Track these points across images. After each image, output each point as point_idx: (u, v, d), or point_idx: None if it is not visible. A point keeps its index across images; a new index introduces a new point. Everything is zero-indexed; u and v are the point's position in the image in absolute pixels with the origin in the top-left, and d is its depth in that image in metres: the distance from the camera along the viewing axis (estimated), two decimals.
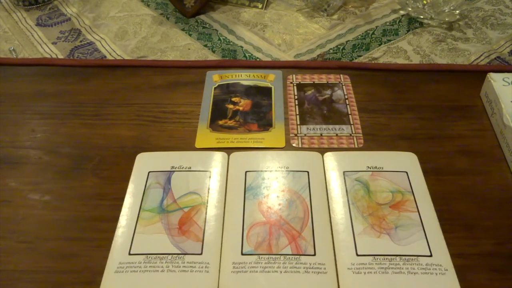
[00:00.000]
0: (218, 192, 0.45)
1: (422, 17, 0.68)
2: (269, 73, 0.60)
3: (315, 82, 0.59)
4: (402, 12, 0.71)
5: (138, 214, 0.44)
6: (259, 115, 0.55)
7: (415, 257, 0.40)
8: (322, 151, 0.50)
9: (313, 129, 0.53)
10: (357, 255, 0.40)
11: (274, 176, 0.47)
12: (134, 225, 0.43)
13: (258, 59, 0.63)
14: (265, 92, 0.58)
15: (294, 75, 0.60)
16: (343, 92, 0.57)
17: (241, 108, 0.56)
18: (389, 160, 0.48)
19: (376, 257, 0.40)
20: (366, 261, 0.39)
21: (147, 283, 0.39)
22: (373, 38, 0.66)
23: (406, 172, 0.47)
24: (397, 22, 0.69)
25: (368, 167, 0.47)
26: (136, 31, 0.69)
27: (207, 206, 0.44)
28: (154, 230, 0.42)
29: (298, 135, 0.52)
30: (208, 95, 0.58)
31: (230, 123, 0.54)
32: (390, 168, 0.47)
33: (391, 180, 0.46)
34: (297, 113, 0.55)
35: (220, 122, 0.54)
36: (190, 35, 0.68)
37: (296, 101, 0.57)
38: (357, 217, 0.43)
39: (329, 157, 0.49)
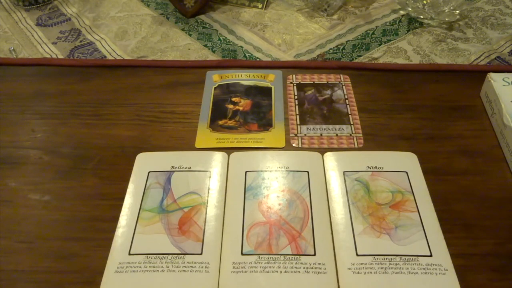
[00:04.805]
0: (218, 192, 0.45)
1: (422, 17, 0.68)
2: (269, 73, 0.60)
3: (315, 82, 0.59)
4: (402, 12, 0.71)
5: (138, 214, 0.44)
6: (259, 115, 0.55)
7: (415, 257, 0.40)
8: (322, 151, 0.50)
9: (313, 129, 0.53)
10: (357, 255, 0.40)
11: (274, 176, 0.47)
12: (134, 225, 0.43)
13: (258, 59, 0.63)
14: (265, 92, 0.58)
15: (294, 75, 0.60)
16: (343, 92, 0.57)
17: (241, 108, 0.56)
18: (389, 160, 0.48)
19: (376, 257, 0.40)
20: (366, 261, 0.39)
21: (147, 283, 0.39)
22: (373, 38, 0.66)
23: (406, 172, 0.47)
24: (397, 22, 0.69)
25: (368, 167, 0.47)
26: (136, 31, 0.69)
27: (207, 206, 0.44)
28: (154, 230, 0.42)
29: (298, 135, 0.52)
30: (208, 95, 0.58)
31: (230, 123, 0.54)
32: (390, 168, 0.47)
33: (391, 180, 0.46)
34: (297, 113, 0.55)
35: (220, 122, 0.54)
36: (190, 35, 0.68)
37: (296, 101, 0.57)
38: (357, 217, 0.43)
39: (329, 157, 0.49)
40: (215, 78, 0.60)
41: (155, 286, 0.39)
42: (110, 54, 0.65)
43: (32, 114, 0.56)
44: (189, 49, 0.66)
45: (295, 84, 0.59)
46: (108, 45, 0.67)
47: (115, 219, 0.43)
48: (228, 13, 0.72)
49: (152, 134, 0.53)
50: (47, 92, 0.59)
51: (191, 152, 0.50)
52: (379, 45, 0.65)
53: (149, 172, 0.47)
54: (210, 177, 0.47)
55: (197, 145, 0.51)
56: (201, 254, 0.40)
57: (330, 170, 0.47)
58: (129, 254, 0.41)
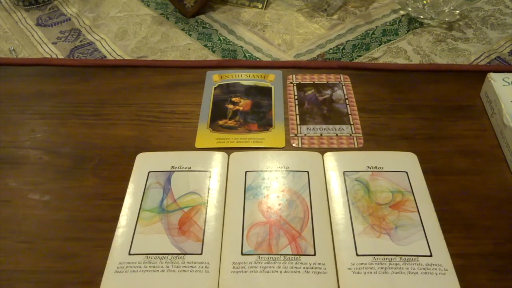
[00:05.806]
0: (218, 192, 0.45)
1: (422, 17, 0.68)
2: (269, 73, 0.60)
3: (315, 82, 0.59)
4: (402, 12, 0.71)
5: (138, 214, 0.44)
6: (259, 115, 0.55)
7: (415, 257, 0.40)
8: (322, 151, 0.50)
9: (313, 129, 0.53)
10: (357, 255, 0.40)
11: (274, 176, 0.47)
12: (134, 225, 0.43)
13: (258, 59, 0.63)
14: (265, 92, 0.58)
15: (294, 75, 0.60)
16: (343, 92, 0.57)
17: (241, 108, 0.56)
18: (389, 160, 0.48)
19: (376, 257, 0.40)
20: (366, 261, 0.39)
21: (147, 283, 0.39)
22: (373, 38, 0.66)
23: (406, 172, 0.47)
24: (397, 22, 0.69)
25: (368, 167, 0.47)
26: (136, 31, 0.69)
27: (207, 206, 0.44)
28: (154, 230, 0.42)
29: (298, 135, 0.52)
30: (208, 95, 0.58)
31: (230, 123, 0.54)
32: (390, 168, 0.47)
33: (391, 180, 0.46)
34: (297, 113, 0.55)
35: (220, 122, 0.54)
36: (190, 35, 0.68)
37: (296, 101, 0.57)
38: (357, 217, 0.43)
39: (329, 157, 0.49)
40: (215, 78, 0.60)
41: (155, 286, 0.39)
42: (110, 54, 0.65)
43: (32, 114, 0.56)
44: (189, 49, 0.66)
45: (295, 84, 0.59)
46: (108, 45, 0.67)
47: (115, 219, 0.43)
48: (228, 13, 0.72)
49: (152, 134, 0.53)
50: (47, 92, 0.59)
51: (191, 152, 0.50)
52: (379, 45, 0.65)
53: (149, 172, 0.47)
54: (210, 177, 0.47)
55: (197, 145, 0.51)
56: (201, 254, 0.40)
57: (330, 170, 0.47)
58: (129, 254, 0.41)
